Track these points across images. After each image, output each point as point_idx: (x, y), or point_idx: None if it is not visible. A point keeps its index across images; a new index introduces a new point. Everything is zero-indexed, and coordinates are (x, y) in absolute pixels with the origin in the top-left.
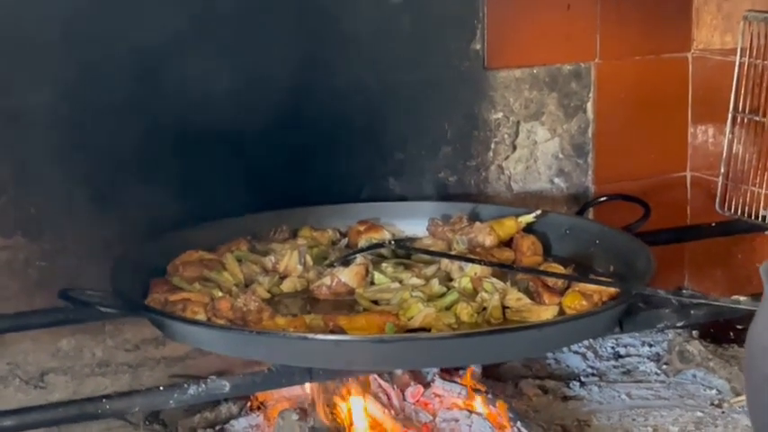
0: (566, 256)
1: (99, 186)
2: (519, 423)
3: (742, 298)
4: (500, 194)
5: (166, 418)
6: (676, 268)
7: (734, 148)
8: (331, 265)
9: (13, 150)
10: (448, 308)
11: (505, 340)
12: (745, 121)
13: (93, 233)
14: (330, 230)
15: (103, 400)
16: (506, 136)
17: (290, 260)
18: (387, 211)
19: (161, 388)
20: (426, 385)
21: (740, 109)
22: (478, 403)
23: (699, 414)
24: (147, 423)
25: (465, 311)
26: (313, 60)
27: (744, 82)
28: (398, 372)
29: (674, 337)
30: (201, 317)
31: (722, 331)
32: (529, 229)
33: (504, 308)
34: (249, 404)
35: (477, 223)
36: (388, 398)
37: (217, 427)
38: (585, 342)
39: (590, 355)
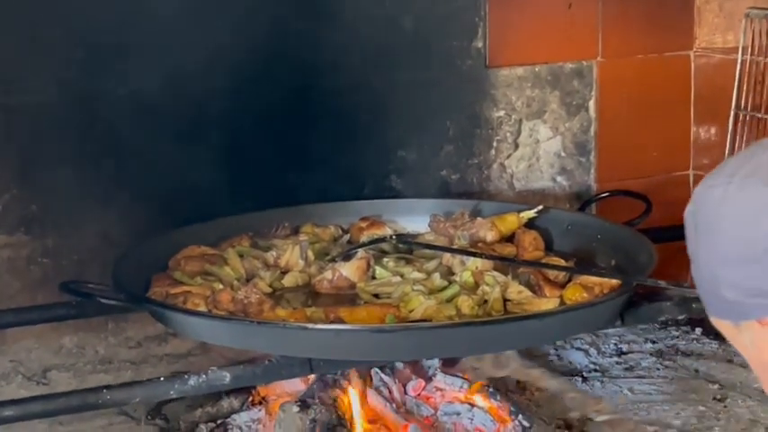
0: (567, 251)
1: (101, 184)
2: (520, 416)
3: None
4: (502, 193)
5: (168, 413)
6: (678, 266)
7: (736, 145)
8: (333, 260)
9: (16, 148)
10: (449, 301)
11: (506, 330)
12: (748, 118)
13: (96, 231)
14: (332, 227)
15: (104, 391)
16: (508, 134)
17: (292, 255)
18: (389, 208)
19: (162, 378)
20: (428, 379)
21: (742, 106)
22: (480, 397)
23: (701, 408)
24: (148, 418)
25: (466, 304)
26: (316, 59)
27: (746, 79)
28: (400, 365)
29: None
30: (202, 309)
31: None
32: (530, 225)
33: (506, 301)
34: (251, 399)
35: (479, 219)
36: (390, 392)
37: (218, 422)
38: (588, 339)
39: (592, 351)
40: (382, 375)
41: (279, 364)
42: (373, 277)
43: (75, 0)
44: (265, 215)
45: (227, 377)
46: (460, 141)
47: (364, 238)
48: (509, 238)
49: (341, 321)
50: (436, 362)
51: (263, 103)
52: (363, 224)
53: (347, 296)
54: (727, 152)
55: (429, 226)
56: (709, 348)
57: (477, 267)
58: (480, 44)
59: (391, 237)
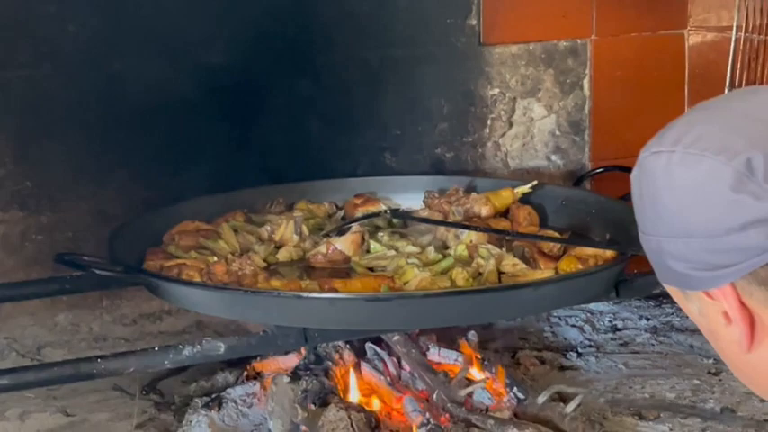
0: (562, 226)
1: (96, 160)
2: (515, 389)
3: None
4: (497, 171)
5: (163, 388)
6: None
7: None
8: (327, 235)
9: (10, 123)
10: (444, 273)
11: (501, 298)
12: None
13: (91, 207)
14: (326, 204)
15: (98, 360)
16: (503, 112)
17: (286, 230)
18: (383, 185)
19: (156, 348)
20: (423, 353)
21: (737, 84)
22: (475, 370)
23: (696, 382)
24: (143, 393)
25: (461, 276)
26: (310, 36)
27: (740, 57)
28: (395, 338)
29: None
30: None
31: None
32: (525, 200)
33: (500, 273)
34: (245, 373)
35: (474, 194)
36: (385, 365)
37: (213, 396)
38: (582, 316)
39: (587, 327)
40: (377, 349)
41: (274, 335)
42: (368, 251)
43: None
44: (259, 192)
45: (221, 347)
46: (455, 119)
47: (358, 214)
48: (503, 214)
49: (335, 291)
50: None
51: (257, 80)
52: (358, 201)
53: (342, 270)
54: None
55: (423, 202)
56: None
57: (471, 241)
58: (474, 21)
59: (385, 211)
